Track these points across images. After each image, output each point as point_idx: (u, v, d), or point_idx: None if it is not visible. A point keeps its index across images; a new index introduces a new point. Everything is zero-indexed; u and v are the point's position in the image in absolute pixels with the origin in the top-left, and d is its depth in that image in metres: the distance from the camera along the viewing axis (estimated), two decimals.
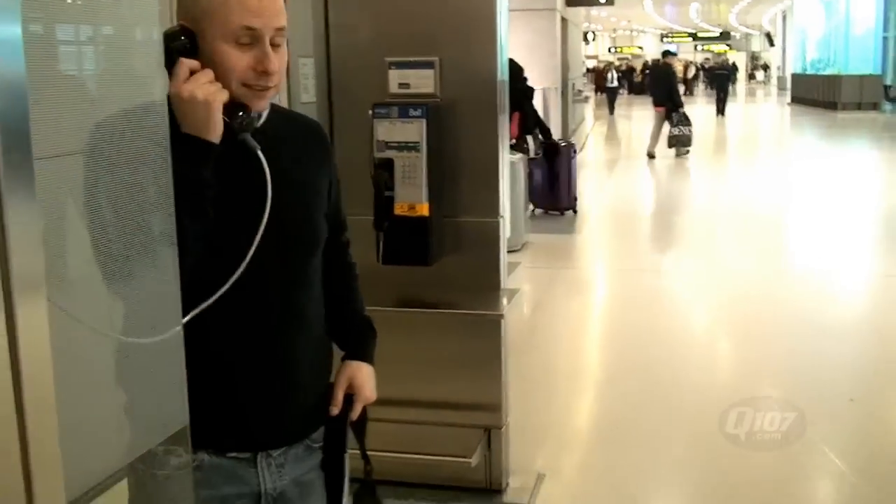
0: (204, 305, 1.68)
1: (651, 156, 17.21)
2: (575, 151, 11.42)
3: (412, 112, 3.43)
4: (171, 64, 1.73)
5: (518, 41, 16.23)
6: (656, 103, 17.83)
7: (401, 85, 3.56)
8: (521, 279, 8.44)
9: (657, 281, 8.49)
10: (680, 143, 16.88)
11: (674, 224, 11.68)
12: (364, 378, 2.14)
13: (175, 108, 1.71)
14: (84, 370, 1.40)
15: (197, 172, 1.71)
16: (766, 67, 57.87)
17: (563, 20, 19.47)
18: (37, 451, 1.15)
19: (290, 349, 1.97)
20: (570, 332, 7.14)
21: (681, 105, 17.22)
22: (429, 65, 3.53)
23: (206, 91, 1.73)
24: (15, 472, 1.14)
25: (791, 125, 27.77)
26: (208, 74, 1.74)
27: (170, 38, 1.73)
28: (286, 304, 1.95)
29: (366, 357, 2.18)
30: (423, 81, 3.54)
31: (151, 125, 1.48)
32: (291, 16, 3.41)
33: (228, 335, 1.88)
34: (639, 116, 30.39)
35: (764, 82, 55.79)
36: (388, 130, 3.45)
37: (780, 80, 46.15)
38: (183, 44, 1.74)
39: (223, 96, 1.75)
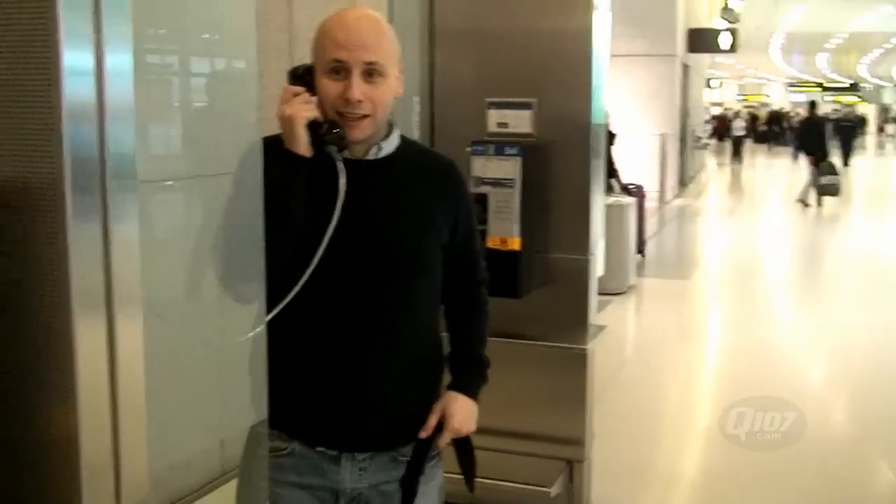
0: (277, 309, 1.86)
1: (804, 203, 17.05)
2: (644, 195, 11.34)
3: (508, 150, 3.58)
4: None
5: (637, 86, 16.32)
6: (807, 152, 17.74)
7: (499, 124, 3.72)
8: (622, 321, 8.49)
9: (770, 331, 8.35)
10: (828, 192, 16.73)
11: (793, 274, 11.52)
12: (457, 408, 2.22)
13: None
14: (179, 366, 1.56)
15: (285, 178, 1.92)
16: None
17: (685, 66, 19.42)
18: (126, 433, 1.30)
19: (380, 362, 2.09)
20: (668, 376, 7.12)
21: (827, 155, 17.17)
22: (527, 106, 3.69)
23: (294, 109, 1.95)
24: (105, 450, 1.28)
25: None
26: (304, 97, 1.98)
27: (290, 73, 2.00)
28: (380, 320, 2.09)
29: (465, 390, 2.27)
30: (520, 122, 3.69)
31: (247, 152, 1.66)
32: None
33: (323, 340, 2.04)
34: (764, 165, 29.93)
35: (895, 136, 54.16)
36: (484, 167, 3.60)
37: None
38: (301, 75, 2.00)
39: (309, 114, 1.97)
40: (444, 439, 2.22)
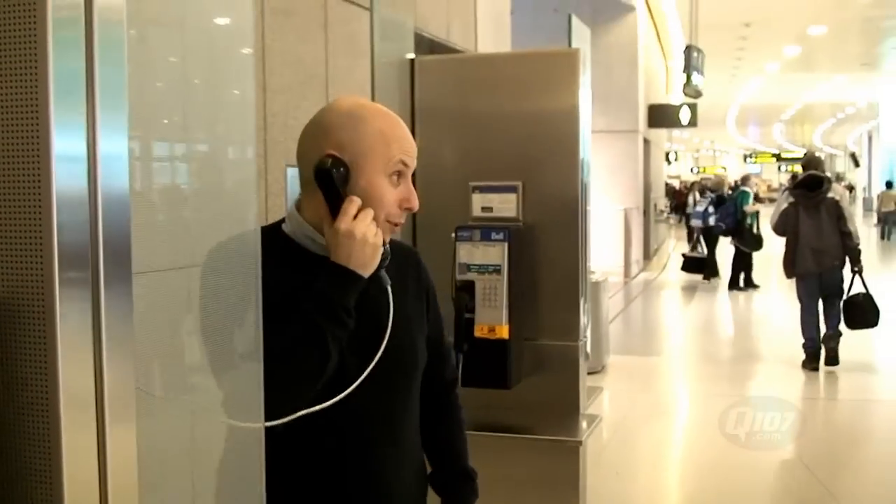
0: (292, 417, 1.71)
1: None
2: None
3: (494, 235, 3.46)
4: (330, 194, 1.81)
5: (600, 162, 16.40)
6: None
7: (484, 208, 3.61)
8: (599, 401, 8.32)
9: (742, 408, 8.26)
10: None
11: (755, 350, 11.38)
12: None
13: (336, 240, 1.80)
14: (163, 479, 1.42)
15: (346, 300, 1.79)
16: (851, 188, 57.22)
17: (646, 141, 19.64)
18: None
19: (383, 467, 1.96)
20: (648, 460, 6.99)
21: None
22: (512, 189, 3.58)
23: (373, 233, 1.81)
24: None
25: (879, 245, 27.27)
26: (370, 214, 1.82)
27: (329, 170, 1.81)
28: (383, 424, 1.96)
29: None
30: (505, 205, 3.58)
31: (244, 246, 1.53)
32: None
33: (326, 448, 1.88)
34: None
35: (850, 202, 55.00)
36: (470, 253, 3.48)
37: (866, 200, 45.55)
38: (344, 176, 1.82)
39: (381, 237, 1.84)
40: None
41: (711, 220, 15.89)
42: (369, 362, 1.82)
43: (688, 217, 22.24)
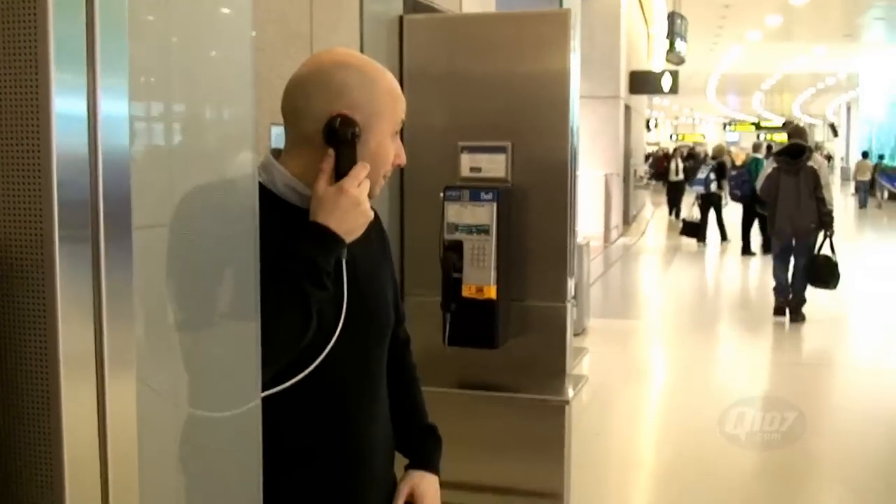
0: (281, 387, 1.70)
1: None
2: None
3: (483, 196, 3.45)
4: (343, 155, 1.79)
5: (582, 127, 16.35)
6: None
7: (472, 169, 3.59)
8: (582, 363, 8.38)
9: (719, 370, 8.37)
10: None
11: (734, 314, 11.51)
12: (426, 488, 2.12)
13: (335, 201, 1.77)
14: (162, 444, 1.39)
15: (330, 265, 1.76)
16: (829, 158, 57.43)
17: (627, 107, 19.61)
18: None
19: (368, 437, 1.96)
20: (628, 421, 7.05)
21: None
22: (501, 149, 3.56)
23: (368, 204, 1.81)
24: None
25: (856, 213, 27.45)
26: (368, 185, 1.81)
27: (349, 130, 1.79)
28: (363, 391, 1.95)
29: (430, 467, 2.15)
30: (494, 166, 3.57)
31: (240, 200, 1.52)
32: None
33: (306, 423, 1.87)
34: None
35: (828, 172, 55.12)
36: (459, 213, 3.47)
37: (844, 170, 45.74)
38: (358, 136, 1.80)
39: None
40: None
41: (713, 187, 16.48)
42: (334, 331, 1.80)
43: (669, 185, 22.67)
